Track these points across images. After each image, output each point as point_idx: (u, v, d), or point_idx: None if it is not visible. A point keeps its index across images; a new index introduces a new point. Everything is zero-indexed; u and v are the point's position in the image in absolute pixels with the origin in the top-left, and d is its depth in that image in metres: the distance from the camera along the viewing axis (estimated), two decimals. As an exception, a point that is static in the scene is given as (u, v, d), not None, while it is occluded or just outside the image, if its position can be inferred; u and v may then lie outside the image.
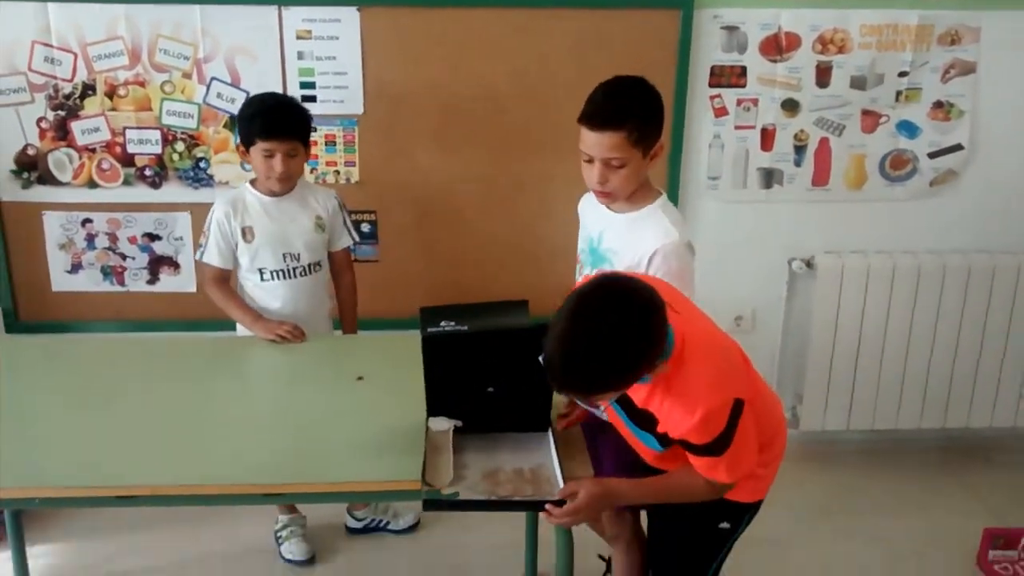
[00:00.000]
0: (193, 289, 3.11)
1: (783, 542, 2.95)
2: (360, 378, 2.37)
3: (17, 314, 3.12)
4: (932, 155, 3.24)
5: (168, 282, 3.14)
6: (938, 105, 3.19)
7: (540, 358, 1.68)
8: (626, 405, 1.88)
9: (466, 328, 1.89)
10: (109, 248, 3.10)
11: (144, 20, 2.88)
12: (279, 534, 2.94)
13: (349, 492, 1.97)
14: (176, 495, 1.91)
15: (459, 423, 2.06)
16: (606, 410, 2.02)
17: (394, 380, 2.34)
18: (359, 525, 3.04)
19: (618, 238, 2.19)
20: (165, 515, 3.08)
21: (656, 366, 1.70)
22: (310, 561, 2.89)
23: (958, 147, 3.24)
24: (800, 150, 3.21)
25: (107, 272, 3.13)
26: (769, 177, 3.24)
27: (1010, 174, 3.29)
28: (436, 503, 1.87)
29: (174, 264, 3.12)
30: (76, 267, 3.12)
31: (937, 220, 3.33)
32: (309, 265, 2.69)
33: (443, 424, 2.06)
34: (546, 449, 2.07)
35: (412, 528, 3.05)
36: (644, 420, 1.85)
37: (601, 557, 2.66)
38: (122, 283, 3.14)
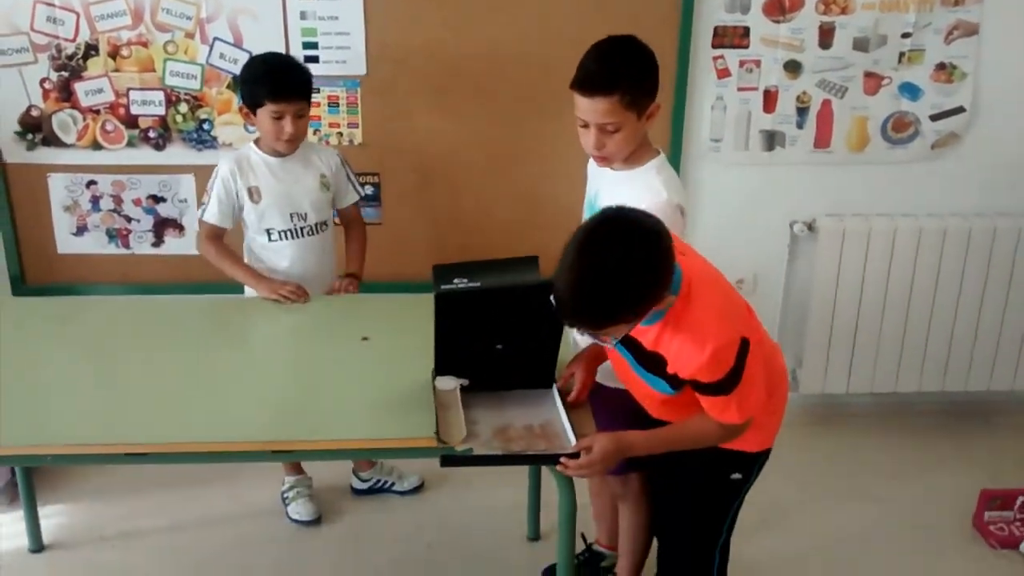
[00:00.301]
0: (198, 252, 3.12)
1: (783, 504, 2.99)
2: (365, 338, 2.39)
3: (24, 277, 3.14)
4: (934, 118, 3.25)
5: (173, 244, 3.15)
6: (941, 67, 3.19)
7: (551, 298, 1.69)
8: (635, 349, 1.89)
9: (479, 285, 1.90)
10: (114, 210, 3.11)
11: (146, -22, 2.88)
12: (286, 495, 2.97)
13: (364, 449, 1.99)
14: (186, 452, 1.94)
15: (466, 382, 2.07)
16: (611, 359, 2.04)
17: (399, 340, 2.36)
18: (364, 486, 3.07)
19: (612, 196, 2.19)
20: (174, 477, 3.11)
21: (664, 300, 1.71)
22: (316, 521, 2.92)
23: (960, 110, 3.25)
24: (802, 112, 3.21)
25: (112, 234, 3.14)
26: (771, 139, 3.24)
27: (1012, 137, 3.30)
28: (453, 459, 1.89)
29: (179, 227, 3.14)
30: (81, 229, 3.13)
31: (939, 183, 3.34)
32: (316, 224, 2.70)
33: (450, 383, 2.06)
34: (552, 405, 2.10)
35: (417, 489, 3.09)
36: (653, 363, 1.87)
37: (584, 538, 2.69)
38: (127, 246, 3.15)
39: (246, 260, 2.75)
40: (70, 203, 3.09)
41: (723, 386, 1.80)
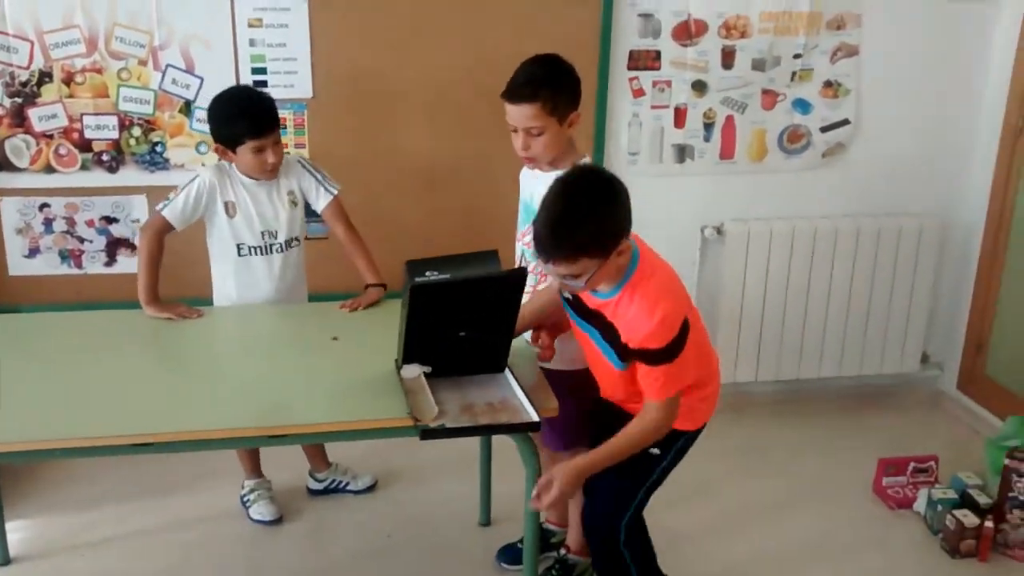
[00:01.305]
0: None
1: (705, 482, 3.24)
2: (335, 338, 2.57)
3: (-27, 299, 3.20)
4: (824, 129, 3.62)
5: (126, 263, 3.26)
6: (828, 84, 3.57)
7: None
8: (598, 322, 2.15)
9: (449, 277, 2.12)
10: (67, 232, 3.20)
11: (100, 9, 3.01)
12: (246, 498, 3.10)
13: (348, 431, 2.15)
14: (189, 440, 2.08)
15: (428, 369, 2.27)
16: (577, 337, 2.29)
17: (365, 339, 2.56)
18: (320, 487, 3.22)
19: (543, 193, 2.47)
20: (133, 488, 3.22)
21: (626, 247, 2.02)
22: (278, 521, 3.06)
23: (845, 122, 3.63)
24: (709, 127, 3.54)
25: (65, 255, 3.23)
26: (682, 152, 3.56)
27: (890, 145, 3.69)
28: (432, 432, 2.08)
29: (131, 246, 3.24)
30: (33, 251, 3.21)
31: (829, 188, 3.70)
32: (285, 242, 2.81)
33: (414, 371, 2.26)
34: (507, 385, 2.30)
35: (370, 488, 3.24)
36: (611, 334, 2.13)
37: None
38: (80, 266, 3.25)
39: (218, 280, 2.86)
40: (22, 226, 3.17)
41: (664, 354, 2.06)
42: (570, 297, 2.25)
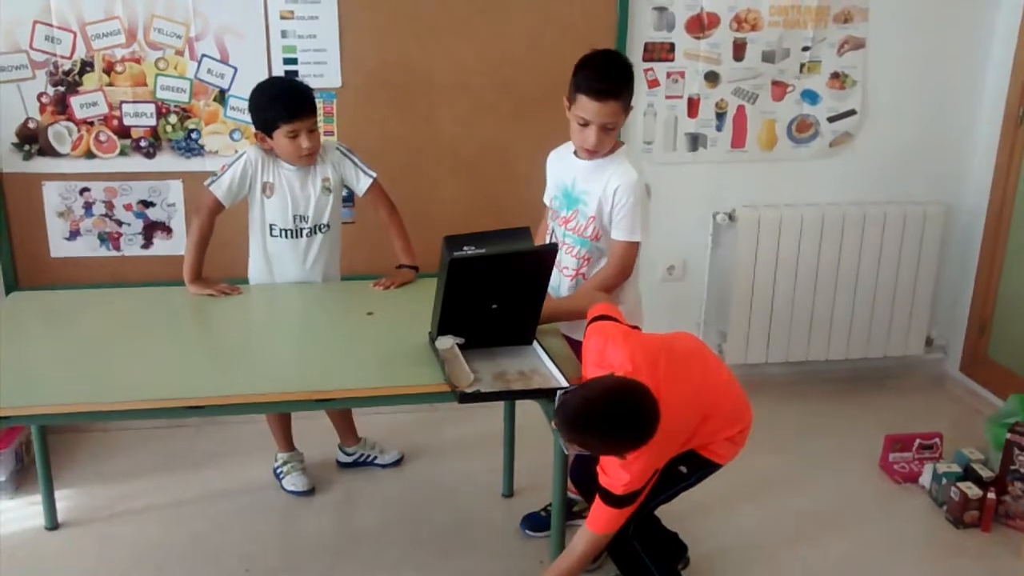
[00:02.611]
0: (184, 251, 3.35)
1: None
2: (370, 313, 2.70)
3: (17, 280, 3.31)
4: (831, 119, 3.75)
5: (161, 246, 3.39)
6: (835, 76, 3.69)
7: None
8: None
9: (484, 251, 2.24)
10: (106, 215, 3.33)
11: (139, 1, 3.14)
12: (279, 470, 3.23)
13: (390, 396, 2.28)
14: (240, 404, 2.20)
15: (462, 340, 2.39)
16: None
17: (398, 314, 2.70)
18: (350, 459, 3.35)
19: (589, 180, 2.60)
20: (169, 461, 3.37)
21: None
22: (310, 492, 3.19)
23: (852, 112, 3.76)
24: (721, 117, 3.67)
25: (103, 238, 3.36)
26: (695, 141, 3.69)
27: (896, 134, 3.82)
28: (470, 396, 2.20)
29: (167, 229, 3.37)
30: (74, 234, 3.34)
31: (837, 176, 3.83)
32: (315, 226, 2.92)
33: (448, 342, 2.37)
34: (534, 355, 2.43)
35: (397, 463, 3.37)
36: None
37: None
38: (118, 248, 3.37)
39: (253, 258, 2.98)
40: (63, 209, 3.30)
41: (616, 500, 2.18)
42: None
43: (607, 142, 2.53)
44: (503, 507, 3.16)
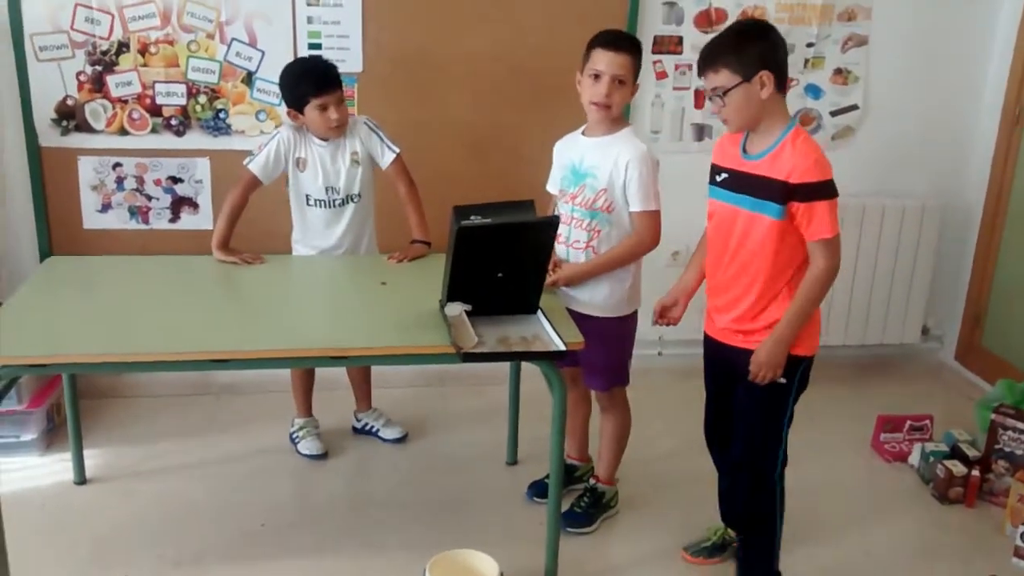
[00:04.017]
0: (211, 226, 3.48)
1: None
2: (384, 283, 2.86)
3: (51, 249, 3.48)
4: (834, 113, 3.89)
5: (188, 220, 3.56)
6: (838, 71, 3.83)
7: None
8: (747, 185, 2.44)
9: (491, 221, 2.40)
10: (136, 189, 3.50)
11: (174, -14, 3.32)
12: (295, 435, 3.40)
13: (402, 355, 2.43)
14: (263, 358, 2.36)
15: (469, 307, 2.54)
16: (716, 222, 2.60)
17: (410, 284, 2.86)
18: (359, 426, 3.52)
19: (597, 155, 2.76)
20: (190, 427, 3.55)
21: (765, 81, 2.33)
22: (324, 456, 3.35)
23: (854, 107, 3.89)
24: (726, 109, 3.81)
25: (134, 211, 3.53)
26: (701, 131, 3.83)
27: (896, 129, 3.95)
28: (473, 356, 2.35)
29: (194, 204, 3.54)
30: (106, 207, 3.51)
31: (837, 168, 3.74)
32: (346, 197, 3.10)
33: (456, 309, 2.53)
34: (538, 323, 2.57)
35: (399, 440, 3.49)
36: (766, 188, 2.39)
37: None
38: (147, 221, 3.55)
39: (295, 226, 3.17)
40: (97, 183, 3.47)
41: (824, 188, 2.34)
42: (720, 178, 2.54)
43: (617, 97, 2.68)
44: (507, 474, 3.32)
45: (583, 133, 2.84)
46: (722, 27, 3.62)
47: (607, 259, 2.78)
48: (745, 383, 2.54)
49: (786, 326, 2.44)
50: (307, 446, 3.36)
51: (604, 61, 2.65)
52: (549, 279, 2.70)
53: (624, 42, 2.68)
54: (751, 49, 2.35)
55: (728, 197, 2.52)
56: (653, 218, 2.79)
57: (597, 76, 2.67)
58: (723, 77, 2.36)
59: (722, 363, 2.66)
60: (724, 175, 2.54)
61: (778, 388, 2.52)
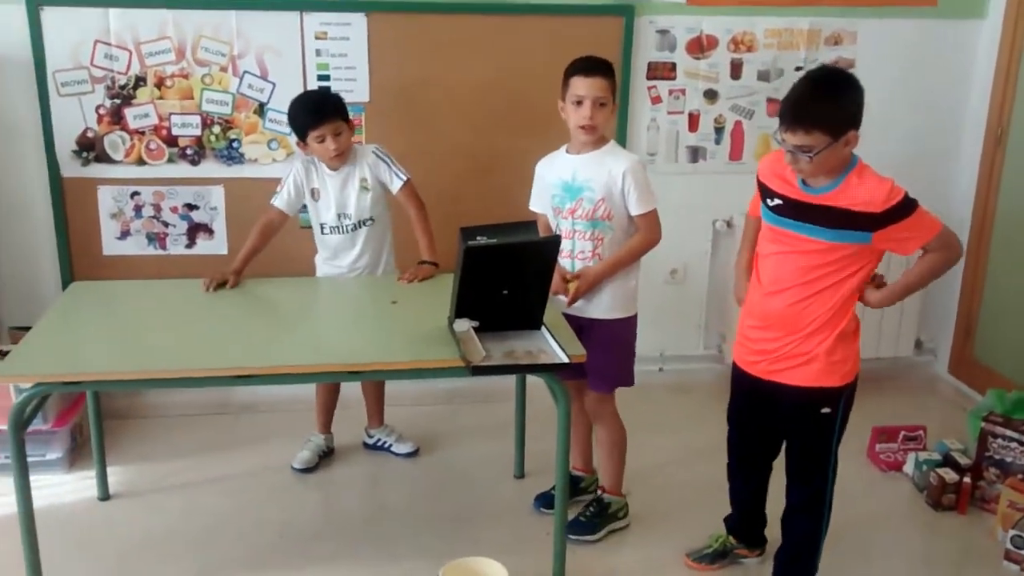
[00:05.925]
0: (225, 252, 3.66)
1: (715, 451, 3.57)
2: (394, 302, 2.98)
3: (73, 275, 3.60)
4: (823, 135, 4.02)
5: (204, 246, 3.69)
6: (826, 94, 3.96)
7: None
8: (817, 213, 2.45)
9: (496, 241, 2.52)
10: (154, 217, 3.64)
11: (189, 23, 3.46)
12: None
13: (414, 369, 2.56)
14: (284, 373, 2.48)
15: (476, 323, 2.66)
16: (770, 239, 2.61)
17: (420, 303, 2.97)
18: (371, 442, 3.64)
19: (590, 169, 2.91)
20: (209, 445, 3.67)
21: (851, 139, 2.39)
22: (309, 470, 3.46)
23: (843, 128, 4.02)
24: (719, 131, 3.95)
25: (151, 238, 3.67)
26: (695, 153, 3.97)
27: (883, 150, 3.98)
28: (482, 369, 2.47)
29: (209, 230, 3.68)
30: (125, 234, 3.65)
31: None
32: (359, 222, 3.24)
33: (464, 325, 2.64)
34: (542, 338, 2.68)
35: (411, 454, 3.61)
36: (844, 218, 2.42)
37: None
38: (164, 247, 3.68)
39: (318, 251, 3.32)
40: (116, 211, 3.61)
41: (911, 201, 2.40)
42: (773, 203, 2.55)
43: (600, 118, 2.84)
44: (515, 487, 3.42)
45: (567, 151, 2.98)
46: (714, 53, 3.83)
47: (618, 258, 2.93)
48: (791, 426, 2.69)
49: (903, 290, 2.69)
50: (299, 456, 3.47)
51: (584, 87, 2.81)
52: (570, 292, 2.87)
53: (599, 66, 2.84)
54: (847, 110, 2.38)
55: (788, 224, 2.52)
56: (654, 215, 2.96)
57: (579, 102, 2.82)
58: (815, 139, 2.34)
59: (758, 397, 2.72)
60: (778, 201, 2.55)
61: (824, 419, 2.62)
